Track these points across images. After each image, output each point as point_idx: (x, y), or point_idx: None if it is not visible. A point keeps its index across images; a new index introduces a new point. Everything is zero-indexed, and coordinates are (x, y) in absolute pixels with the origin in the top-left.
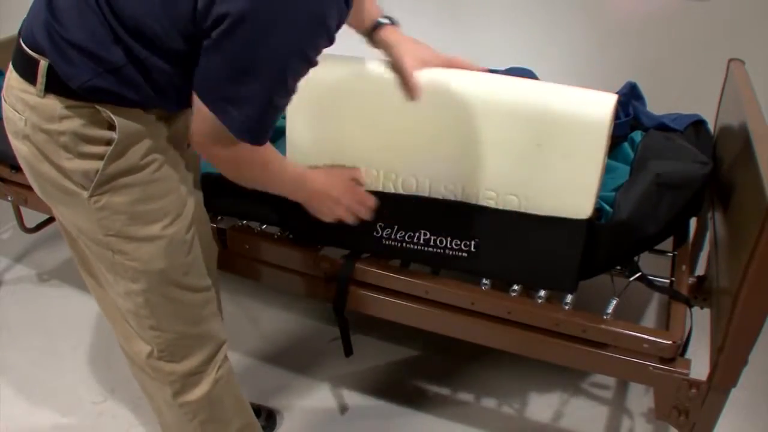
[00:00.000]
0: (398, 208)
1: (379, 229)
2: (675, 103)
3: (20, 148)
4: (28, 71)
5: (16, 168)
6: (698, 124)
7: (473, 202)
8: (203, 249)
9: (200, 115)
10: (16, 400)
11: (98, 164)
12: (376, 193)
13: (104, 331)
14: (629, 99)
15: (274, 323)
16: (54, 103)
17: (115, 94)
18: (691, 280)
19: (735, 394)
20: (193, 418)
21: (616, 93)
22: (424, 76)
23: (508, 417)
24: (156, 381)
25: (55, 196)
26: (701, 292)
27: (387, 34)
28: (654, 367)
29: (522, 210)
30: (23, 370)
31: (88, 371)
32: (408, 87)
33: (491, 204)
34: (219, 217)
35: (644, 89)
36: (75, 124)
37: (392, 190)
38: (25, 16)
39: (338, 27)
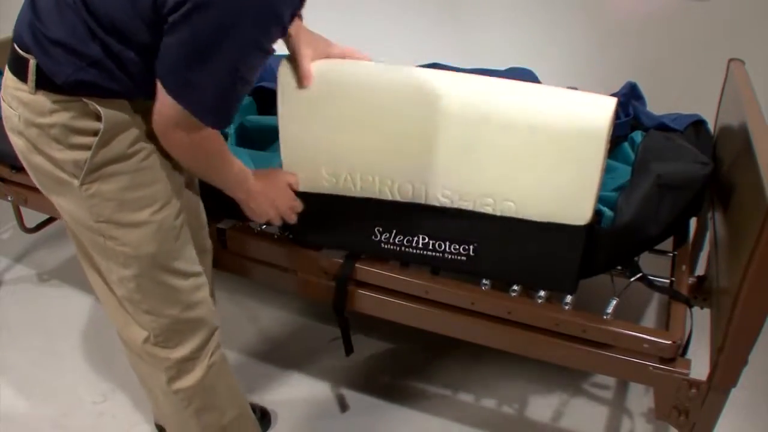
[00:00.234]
0: (396, 213)
1: (377, 233)
2: (675, 103)
3: (17, 143)
4: (19, 70)
5: (16, 168)
6: (698, 124)
7: (471, 208)
8: (199, 250)
9: (161, 100)
10: (16, 400)
11: (87, 154)
12: (373, 201)
13: (104, 331)
14: (629, 99)
15: (273, 323)
16: (44, 99)
17: (99, 86)
18: (691, 280)
19: (735, 394)
20: (188, 405)
21: (616, 93)
22: (321, 65)
23: (508, 417)
24: (152, 367)
25: (50, 187)
26: (701, 292)
27: None
28: (654, 367)
29: (519, 216)
30: (23, 370)
31: (88, 371)
32: (300, 74)
33: (489, 210)
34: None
35: (644, 89)
36: (64, 117)
37: (389, 196)
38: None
39: (292, 17)
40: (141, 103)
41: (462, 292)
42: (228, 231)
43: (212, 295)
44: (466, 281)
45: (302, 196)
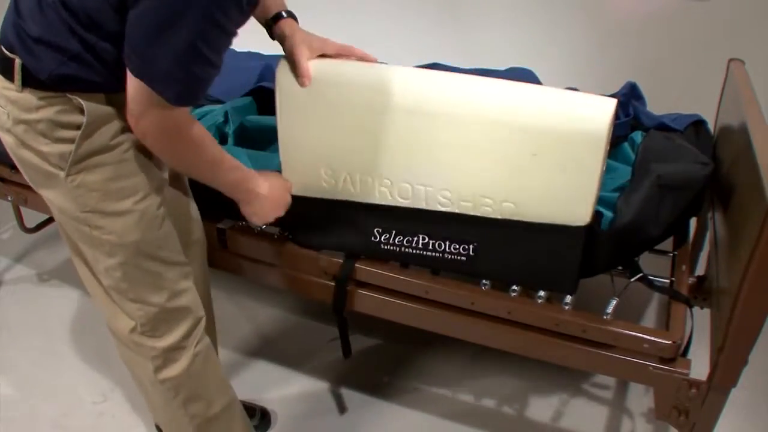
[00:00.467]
0: (395, 215)
1: (377, 234)
2: (675, 103)
3: (6, 140)
4: (6, 70)
5: (16, 168)
6: (698, 124)
7: (470, 209)
8: (189, 242)
9: (128, 84)
10: (16, 400)
11: (72, 146)
12: (373, 205)
13: (104, 331)
14: (629, 99)
15: (272, 322)
16: (30, 96)
17: (81, 80)
18: (691, 280)
19: (735, 394)
20: (175, 395)
21: (616, 93)
22: (320, 65)
23: (508, 417)
24: (139, 357)
25: (38, 180)
26: (701, 292)
27: (284, 25)
28: (654, 367)
29: (518, 218)
30: (23, 370)
31: (88, 371)
32: (298, 74)
33: (488, 211)
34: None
35: (644, 89)
36: (50, 112)
37: (388, 198)
38: None
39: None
40: (123, 96)
41: (462, 292)
42: (228, 231)
43: (208, 288)
44: (466, 281)
45: (302, 199)
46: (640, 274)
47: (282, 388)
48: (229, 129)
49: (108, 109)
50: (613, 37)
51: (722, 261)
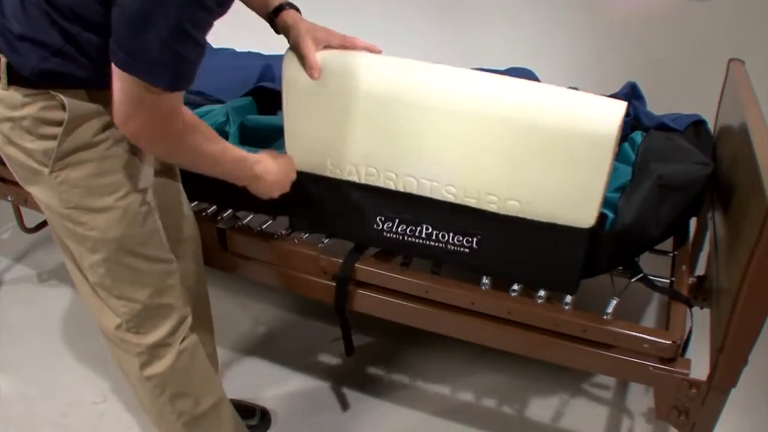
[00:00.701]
0: (399, 203)
1: (379, 222)
2: (675, 103)
3: None
4: None
5: None
6: (698, 124)
7: (475, 205)
8: (180, 239)
9: (116, 90)
10: (16, 400)
11: (54, 143)
12: (377, 189)
13: None
14: (629, 99)
15: (272, 322)
16: (15, 94)
17: (65, 74)
18: (691, 280)
19: (735, 394)
20: (162, 392)
21: (616, 93)
22: (327, 56)
23: (508, 417)
24: (126, 354)
25: (25, 177)
26: (701, 292)
27: (287, 17)
28: (654, 367)
29: (523, 215)
30: (23, 370)
31: (88, 371)
32: (306, 66)
33: (493, 208)
34: (219, 217)
35: (644, 89)
36: (34, 109)
37: (392, 188)
38: None
39: None
40: (107, 93)
41: (462, 292)
42: (228, 231)
43: (204, 286)
44: (466, 281)
45: (306, 178)
46: (641, 275)
47: (282, 387)
48: (230, 128)
49: (91, 106)
50: (613, 37)
51: (722, 261)
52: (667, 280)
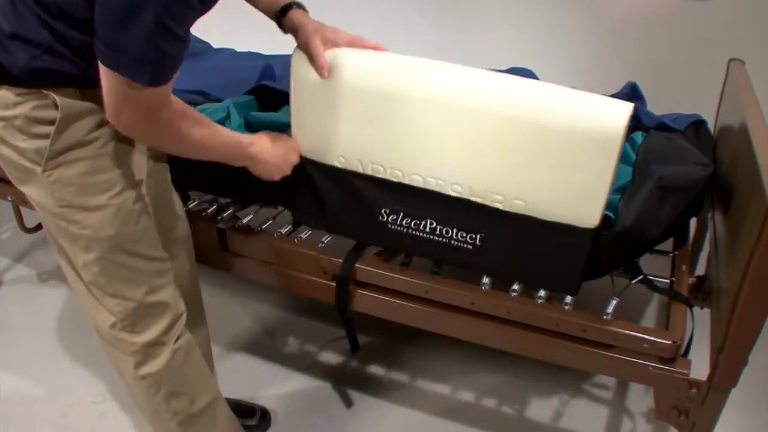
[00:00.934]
0: (404, 196)
1: (384, 214)
2: (675, 103)
3: None
4: None
5: None
6: (698, 124)
7: (480, 202)
8: (174, 240)
9: (104, 84)
10: (16, 400)
11: (47, 142)
12: (383, 181)
13: None
14: (629, 99)
15: (272, 321)
16: (8, 94)
17: (55, 72)
18: (691, 280)
19: (735, 394)
20: (157, 391)
21: (617, 93)
22: (335, 55)
23: (508, 417)
24: (121, 353)
25: (18, 177)
26: (701, 292)
27: (294, 16)
28: (654, 367)
29: (528, 214)
30: (23, 370)
31: (88, 371)
32: (316, 66)
33: (498, 206)
34: (219, 217)
35: (644, 89)
36: (26, 108)
37: (398, 181)
38: None
39: None
40: (99, 91)
41: (462, 292)
42: (228, 231)
43: (196, 285)
44: (466, 281)
45: (311, 166)
46: (641, 276)
47: (281, 387)
48: (230, 124)
49: (83, 104)
50: (613, 37)
51: (722, 261)
52: (667, 281)
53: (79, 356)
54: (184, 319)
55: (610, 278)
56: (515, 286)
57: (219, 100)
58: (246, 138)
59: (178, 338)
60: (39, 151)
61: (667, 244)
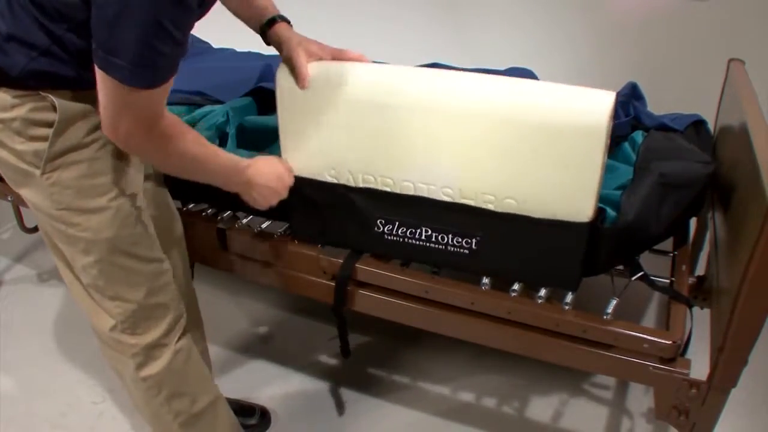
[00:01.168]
0: (398, 206)
1: (379, 225)
2: (675, 103)
3: None
4: None
5: None
6: (698, 124)
7: (473, 205)
8: (171, 242)
9: (101, 94)
10: (16, 400)
11: (45, 144)
12: (376, 192)
13: None
14: (630, 99)
15: (272, 321)
16: (5, 96)
17: (53, 75)
18: (691, 280)
19: (735, 394)
20: (158, 393)
21: (617, 93)
22: (319, 67)
23: (508, 417)
24: (121, 355)
25: (16, 179)
26: (701, 292)
27: (279, 30)
28: (654, 367)
29: (521, 213)
30: (23, 370)
31: (87, 371)
32: (297, 76)
33: (491, 207)
34: (219, 217)
35: (644, 89)
36: (23, 110)
37: (390, 191)
38: None
39: None
40: (93, 93)
41: (462, 292)
42: (228, 231)
43: (190, 285)
44: (466, 281)
45: (305, 184)
46: (641, 273)
47: (281, 387)
48: (230, 129)
49: (81, 106)
50: (613, 37)
51: (722, 261)
52: (667, 280)
53: (79, 356)
54: (184, 319)
55: (611, 278)
56: (515, 286)
57: (218, 101)
58: (243, 160)
59: (179, 339)
60: (37, 154)
61: (667, 244)
